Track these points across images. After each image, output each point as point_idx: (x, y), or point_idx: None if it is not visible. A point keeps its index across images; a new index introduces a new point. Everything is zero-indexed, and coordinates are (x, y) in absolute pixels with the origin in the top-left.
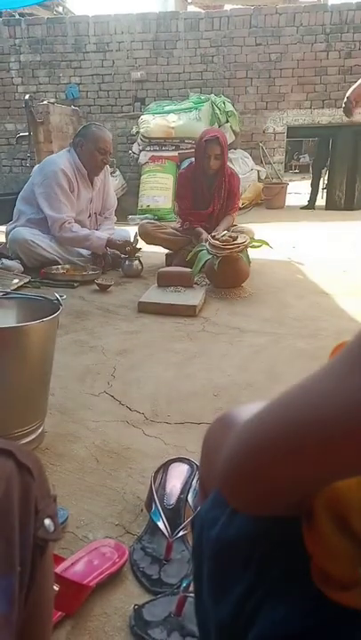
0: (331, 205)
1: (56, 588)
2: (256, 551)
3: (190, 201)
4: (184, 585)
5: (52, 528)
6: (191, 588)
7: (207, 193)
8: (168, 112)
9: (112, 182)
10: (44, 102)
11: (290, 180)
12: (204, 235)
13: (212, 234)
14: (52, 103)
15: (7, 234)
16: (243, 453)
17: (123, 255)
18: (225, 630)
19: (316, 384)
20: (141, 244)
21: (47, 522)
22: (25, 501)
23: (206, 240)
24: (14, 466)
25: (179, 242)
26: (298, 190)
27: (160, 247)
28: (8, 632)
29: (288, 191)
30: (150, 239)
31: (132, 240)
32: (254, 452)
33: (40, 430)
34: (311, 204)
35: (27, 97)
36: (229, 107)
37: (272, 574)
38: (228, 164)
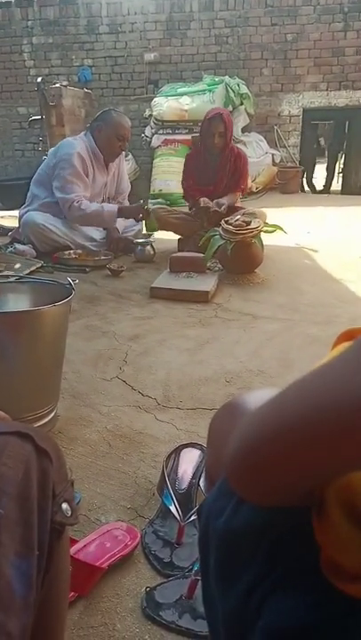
0: (347, 190)
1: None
2: (263, 541)
3: (194, 180)
4: (196, 568)
5: (69, 512)
6: None
7: (211, 172)
8: (181, 94)
9: (125, 166)
10: (57, 85)
11: None
12: (205, 199)
13: (226, 218)
14: (65, 86)
15: (20, 218)
16: (254, 442)
17: (137, 221)
18: (232, 619)
19: (334, 371)
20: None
21: (64, 506)
22: (43, 485)
23: (205, 203)
24: (33, 450)
25: (191, 226)
26: (313, 174)
27: (172, 232)
28: (26, 613)
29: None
30: (162, 224)
31: (143, 205)
32: (266, 440)
33: (53, 414)
34: (327, 189)
35: (39, 80)
36: (244, 89)
37: (280, 565)
38: (242, 147)
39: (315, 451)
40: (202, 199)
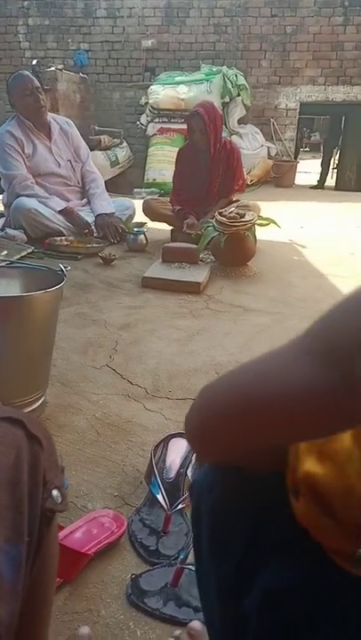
0: (341, 186)
1: None
2: (250, 509)
3: (186, 178)
4: (181, 556)
5: (59, 499)
6: (188, 560)
7: (204, 168)
8: (178, 83)
9: (76, 131)
10: (52, 69)
11: (300, 159)
12: (190, 220)
13: (219, 210)
14: (60, 70)
15: (7, 205)
16: (205, 411)
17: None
18: (226, 587)
19: (266, 363)
20: (146, 220)
21: (55, 493)
22: (34, 472)
23: (189, 227)
24: (24, 436)
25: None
26: (307, 169)
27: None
28: (14, 599)
29: (298, 169)
30: (155, 216)
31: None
32: (207, 414)
33: (41, 401)
34: (321, 184)
35: (34, 62)
36: (241, 80)
37: (271, 530)
38: (238, 138)
39: (244, 425)
40: (186, 222)
